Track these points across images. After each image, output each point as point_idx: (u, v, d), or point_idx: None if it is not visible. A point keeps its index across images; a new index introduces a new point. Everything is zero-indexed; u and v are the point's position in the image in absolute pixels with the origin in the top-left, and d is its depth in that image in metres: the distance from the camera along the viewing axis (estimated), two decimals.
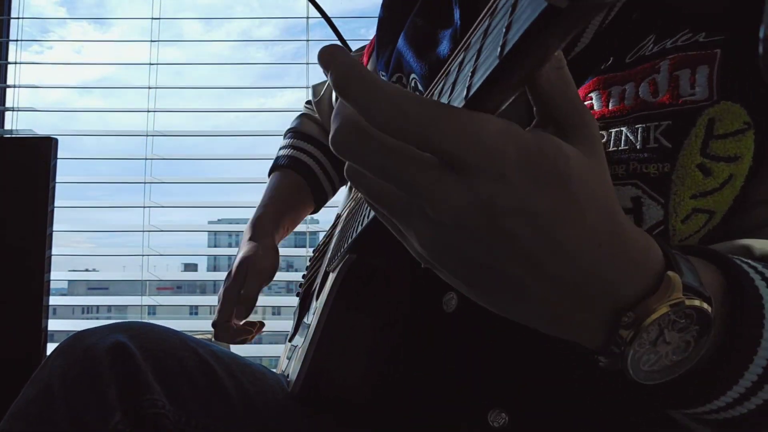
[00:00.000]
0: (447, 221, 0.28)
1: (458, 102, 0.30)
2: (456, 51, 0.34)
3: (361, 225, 0.54)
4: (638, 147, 0.43)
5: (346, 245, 0.61)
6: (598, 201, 0.29)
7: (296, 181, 1.02)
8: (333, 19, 1.41)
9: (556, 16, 0.23)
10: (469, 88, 0.28)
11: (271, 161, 1.06)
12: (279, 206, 0.98)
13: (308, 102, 1.11)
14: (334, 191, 1.06)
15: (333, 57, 0.29)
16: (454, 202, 0.27)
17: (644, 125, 0.43)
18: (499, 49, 0.26)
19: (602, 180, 0.30)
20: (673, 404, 0.34)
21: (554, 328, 0.32)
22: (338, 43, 1.11)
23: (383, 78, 0.76)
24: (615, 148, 0.44)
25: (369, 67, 0.89)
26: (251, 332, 0.92)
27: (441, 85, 0.35)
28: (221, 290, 0.90)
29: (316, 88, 1.08)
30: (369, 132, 0.28)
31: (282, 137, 1.10)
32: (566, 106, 0.30)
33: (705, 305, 0.30)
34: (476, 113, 0.27)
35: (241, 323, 0.90)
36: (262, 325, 0.94)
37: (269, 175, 1.05)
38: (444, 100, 0.33)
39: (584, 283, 0.29)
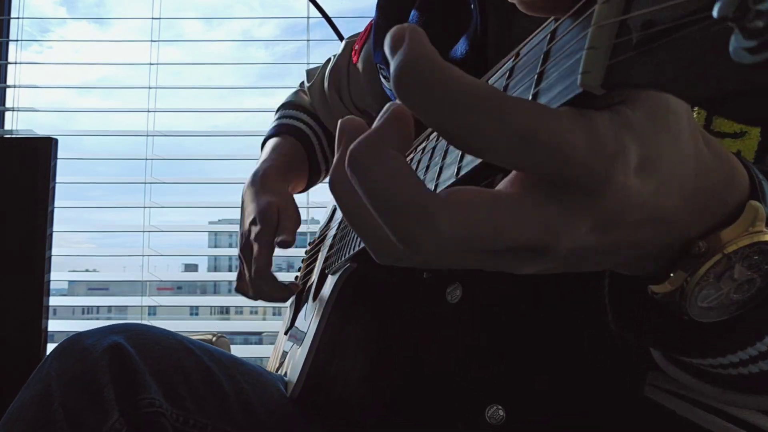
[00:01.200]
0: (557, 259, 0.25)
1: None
2: None
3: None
4: None
5: (347, 253, 0.61)
6: (690, 124, 0.26)
7: (297, 147, 0.96)
8: (333, 19, 1.41)
9: (589, 100, 0.22)
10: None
11: None
12: (284, 163, 0.91)
13: (301, 85, 1.07)
14: (326, 173, 1.00)
15: (404, 37, 0.23)
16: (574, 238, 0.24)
17: None
18: None
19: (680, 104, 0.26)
20: (690, 350, 0.32)
21: (616, 263, 0.29)
22: (339, 42, 1.11)
23: (384, 72, 0.75)
24: None
25: (362, 57, 0.88)
26: (295, 287, 0.82)
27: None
28: (246, 241, 0.80)
29: (309, 73, 1.03)
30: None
31: (275, 112, 1.05)
32: None
33: None
34: (566, 110, 0.22)
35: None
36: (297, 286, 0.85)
37: (263, 145, 0.98)
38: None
39: (672, 217, 0.26)
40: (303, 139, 0.96)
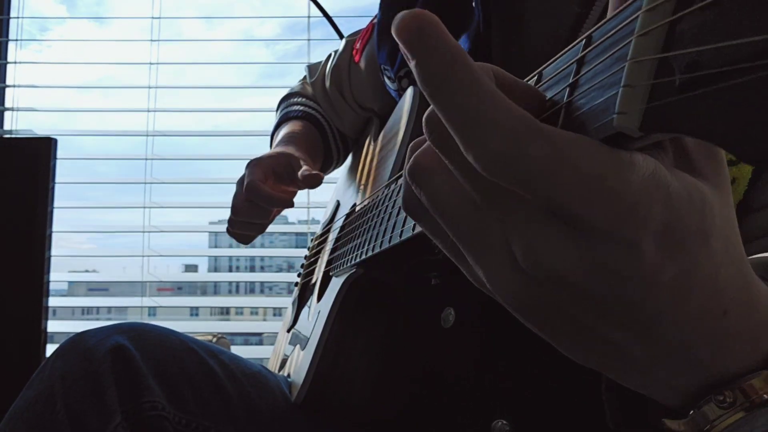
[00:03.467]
0: (544, 278, 0.23)
1: None
2: None
3: (381, 245, 0.51)
4: None
5: (354, 258, 0.60)
6: (734, 255, 0.24)
7: (312, 131, 0.94)
8: (334, 18, 1.40)
9: (623, 141, 0.20)
10: None
11: None
12: (301, 144, 0.89)
13: (303, 79, 1.04)
14: (337, 162, 0.99)
15: (421, 34, 0.21)
16: (560, 262, 0.22)
17: None
18: None
19: (734, 225, 0.24)
20: None
21: (637, 385, 0.27)
22: (340, 41, 1.10)
23: (388, 72, 0.74)
24: None
25: (364, 56, 0.87)
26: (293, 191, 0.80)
27: None
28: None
29: (311, 69, 1.02)
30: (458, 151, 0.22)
31: (278, 106, 1.02)
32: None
33: None
34: (620, 156, 0.20)
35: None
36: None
37: (274, 131, 0.96)
38: None
39: (695, 352, 0.24)
40: (317, 123, 0.95)
